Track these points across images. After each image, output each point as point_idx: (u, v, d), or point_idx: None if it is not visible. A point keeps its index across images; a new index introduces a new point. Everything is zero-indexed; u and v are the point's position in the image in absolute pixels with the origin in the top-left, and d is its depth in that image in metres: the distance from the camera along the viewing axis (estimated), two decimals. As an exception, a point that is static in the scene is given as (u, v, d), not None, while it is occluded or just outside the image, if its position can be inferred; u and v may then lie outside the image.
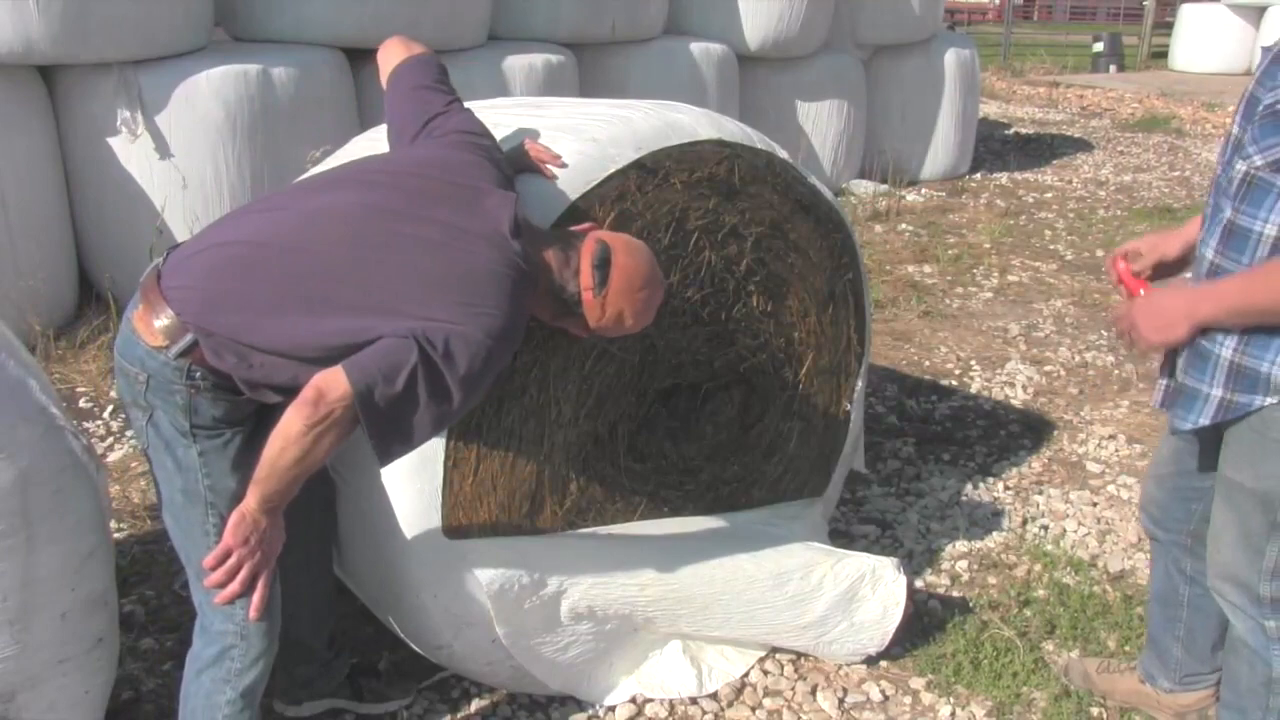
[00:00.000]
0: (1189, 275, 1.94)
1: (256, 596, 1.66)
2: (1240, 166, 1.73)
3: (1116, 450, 3.63)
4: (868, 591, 2.39)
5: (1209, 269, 1.82)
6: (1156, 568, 2.21)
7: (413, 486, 1.98)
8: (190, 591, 1.83)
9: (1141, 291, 1.99)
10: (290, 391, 1.64)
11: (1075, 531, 3.10)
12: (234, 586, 1.64)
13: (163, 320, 1.67)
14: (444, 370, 1.60)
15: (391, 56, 2.07)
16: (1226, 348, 1.77)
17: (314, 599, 2.13)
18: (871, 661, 2.48)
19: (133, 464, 3.27)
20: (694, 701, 2.37)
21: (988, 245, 6.05)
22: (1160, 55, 16.17)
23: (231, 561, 1.63)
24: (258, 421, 1.78)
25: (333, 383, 1.55)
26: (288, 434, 1.56)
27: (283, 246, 1.68)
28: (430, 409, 1.61)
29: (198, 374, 1.67)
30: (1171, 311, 1.79)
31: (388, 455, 1.64)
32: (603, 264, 1.81)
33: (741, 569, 2.33)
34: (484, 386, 1.70)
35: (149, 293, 1.70)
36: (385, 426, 1.59)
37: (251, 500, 1.61)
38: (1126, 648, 2.55)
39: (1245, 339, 1.75)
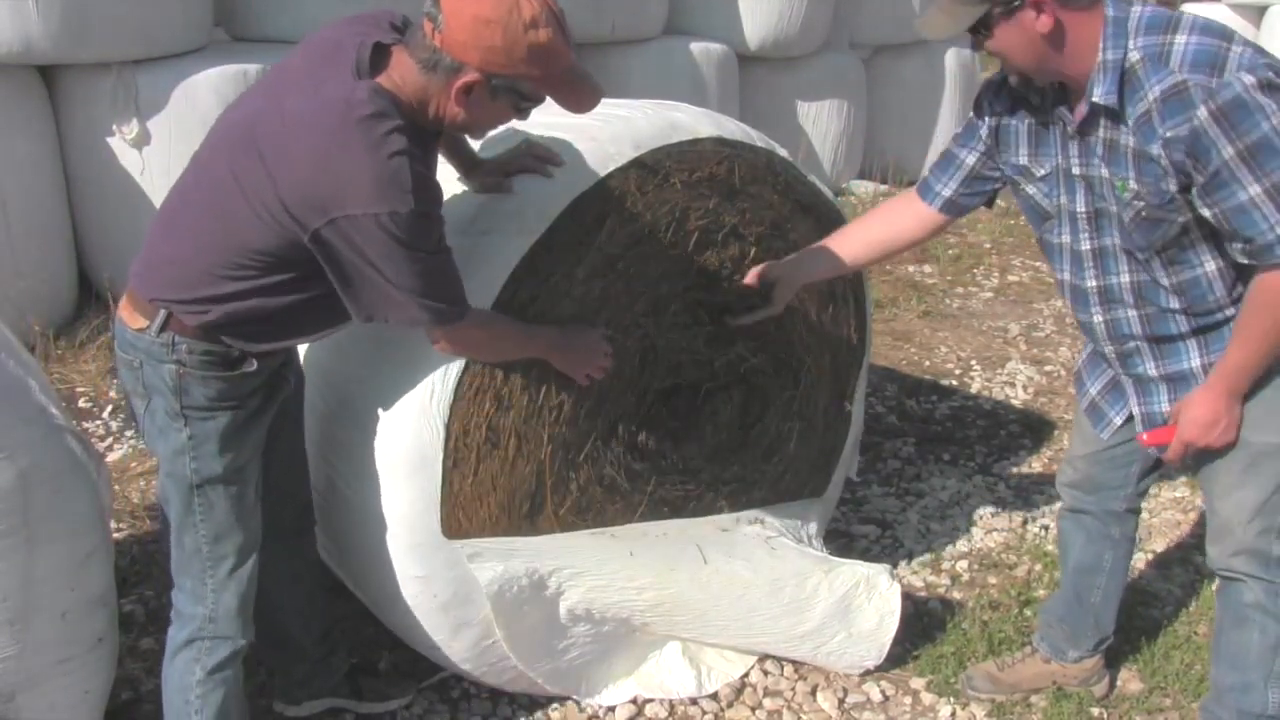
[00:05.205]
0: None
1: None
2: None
3: (1117, 450, 3.62)
4: (863, 600, 2.38)
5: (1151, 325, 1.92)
6: (1076, 539, 2.35)
7: (412, 486, 1.98)
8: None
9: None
10: (273, 329, 1.71)
11: (1075, 531, 3.09)
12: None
13: (138, 303, 1.72)
14: (374, 259, 1.58)
15: None
16: (1193, 359, 1.92)
17: (297, 594, 2.13)
18: (872, 661, 2.48)
19: (132, 464, 3.27)
20: (694, 702, 2.37)
21: (988, 245, 6.05)
22: (1160, 55, 16.10)
23: None
24: (268, 396, 1.81)
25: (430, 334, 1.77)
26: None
27: (185, 190, 1.73)
28: (419, 274, 1.62)
29: (183, 347, 1.69)
30: (1214, 411, 1.85)
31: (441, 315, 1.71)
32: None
33: (738, 575, 2.32)
34: (433, 230, 1.63)
35: (128, 283, 1.76)
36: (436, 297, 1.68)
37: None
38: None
39: (1204, 347, 1.90)
